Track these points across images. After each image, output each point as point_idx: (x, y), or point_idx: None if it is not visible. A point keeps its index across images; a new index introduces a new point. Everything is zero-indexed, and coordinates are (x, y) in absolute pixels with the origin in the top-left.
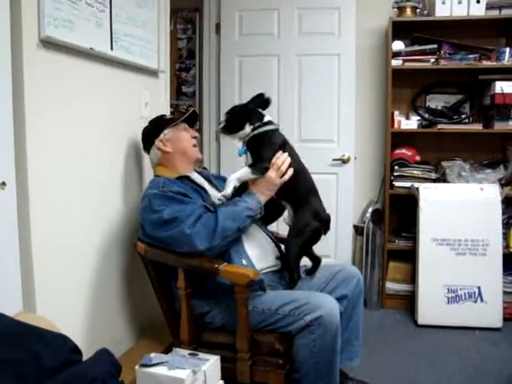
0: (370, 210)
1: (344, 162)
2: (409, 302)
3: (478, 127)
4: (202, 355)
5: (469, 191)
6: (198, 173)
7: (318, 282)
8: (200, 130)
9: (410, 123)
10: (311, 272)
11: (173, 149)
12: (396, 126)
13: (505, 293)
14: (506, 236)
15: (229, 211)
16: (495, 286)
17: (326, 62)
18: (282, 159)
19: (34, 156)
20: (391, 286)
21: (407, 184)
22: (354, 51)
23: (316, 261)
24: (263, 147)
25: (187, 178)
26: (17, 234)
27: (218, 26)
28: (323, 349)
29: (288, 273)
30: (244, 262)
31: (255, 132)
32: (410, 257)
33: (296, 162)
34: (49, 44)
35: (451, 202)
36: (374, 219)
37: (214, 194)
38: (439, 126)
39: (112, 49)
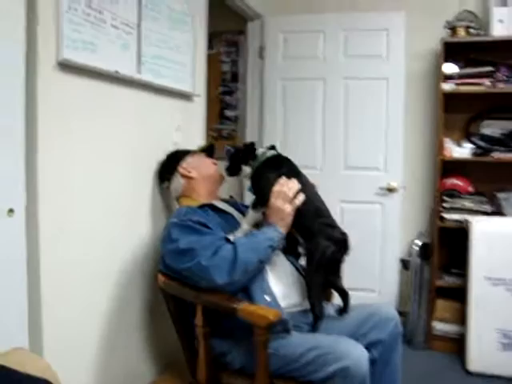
0: (417, 242)
1: (390, 190)
2: (458, 345)
3: None
4: None
5: None
6: (225, 201)
7: (350, 323)
8: None
9: (462, 151)
10: (343, 311)
11: (197, 172)
12: (447, 153)
13: None
14: None
15: (248, 242)
16: None
17: (374, 85)
18: (287, 185)
19: (46, 182)
20: (439, 325)
21: (458, 217)
22: (404, 75)
23: (343, 294)
24: (261, 178)
25: (211, 205)
26: (25, 265)
27: (261, 49)
28: None
29: (310, 309)
30: (267, 298)
31: (253, 168)
32: (460, 295)
33: (304, 183)
34: (67, 67)
35: (507, 236)
36: (422, 254)
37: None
38: (495, 155)
39: (140, 72)
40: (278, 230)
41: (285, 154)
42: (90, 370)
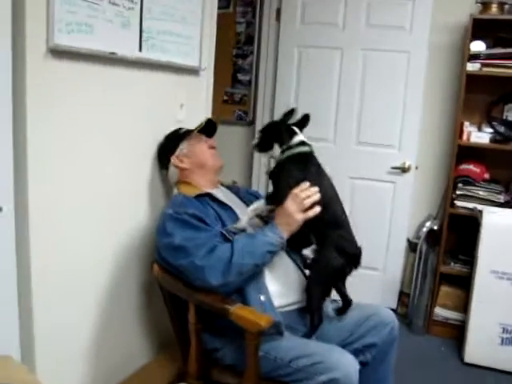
0: (426, 226)
1: (404, 170)
2: (457, 332)
3: None
4: None
5: None
6: (227, 187)
7: (346, 325)
8: (253, 122)
9: (482, 136)
10: (341, 312)
11: (190, 164)
12: (465, 138)
13: None
14: None
15: (246, 244)
16: None
17: (394, 59)
18: (306, 193)
19: (37, 176)
20: (440, 311)
21: (470, 205)
22: (426, 49)
23: (346, 301)
24: (283, 175)
25: (209, 195)
26: (14, 264)
27: (278, 12)
28: None
29: (309, 316)
30: (262, 298)
31: (283, 156)
32: (465, 283)
33: (327, 190)
34: (59, 53)
35: None
36: (429, 240)
37: (243, 211)
38: None
39: (141, 50)
40: (280, 234)
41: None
42: (86, 352)
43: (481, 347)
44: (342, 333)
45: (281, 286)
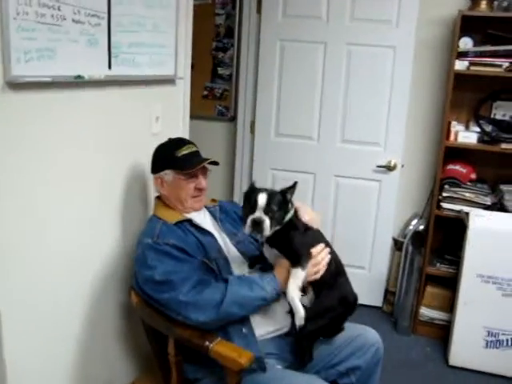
0: (412, 225)
1: (389, 169)
2: (443, 332)
3: None
4: None
5: None
6: (207, 208)
7: (332, 346)
8: (234, 118)
9: (469, 136)
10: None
11: (169, 193)
12: (452, 137)
13: None
14: None
15: (241, 295)
16: None
17: (380, 54)
18: (322, 255)
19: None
20: (426, 311)
21: (457, 207)
22: (413, 45)
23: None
24: (297, 237)
25: (189, 221)
26: None
27: (259, 3)
28: None
29: (299, 351)
30: (244, 330)
31: (284, 221)
32: (451, 284)
33: (327, 241)
34: (18, 85)
35: (505, 235)
36: (414, 241)
37: (222, 238)
38: (503, 145)
39: (110, 67)
40: (277, 288)
41: (279, 121)
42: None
43: (466, 350)
44: (326, 355)
45: (263, 313)
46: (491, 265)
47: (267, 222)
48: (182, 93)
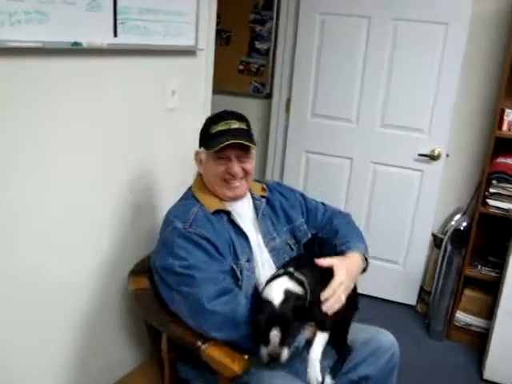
0: (454, 220)
1: (433, 158)
2: (479, 341)
3: None
4: None
5: None
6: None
7: None
8: (270, 95)
9: None
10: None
11: (204, 173)
12: (505, 127)
13: None
14: None
15: None
16: None
17: (429, 31)
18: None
19: None
20: (462, 316)
21: (505, 205)
22: (467, 21)
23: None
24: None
25: (227, 213)
26: None
27: None
28: None
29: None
30: None
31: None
32: (492, 288)
33: None
34: (3, 50)
35: None
36: (455, 240)
37: (256, 239)
38: None
39: (116, 35)
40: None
41: (316, 100)
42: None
43: (504, 363)
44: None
45: None
46: None
47: (285, 352)
48: (203, 65)
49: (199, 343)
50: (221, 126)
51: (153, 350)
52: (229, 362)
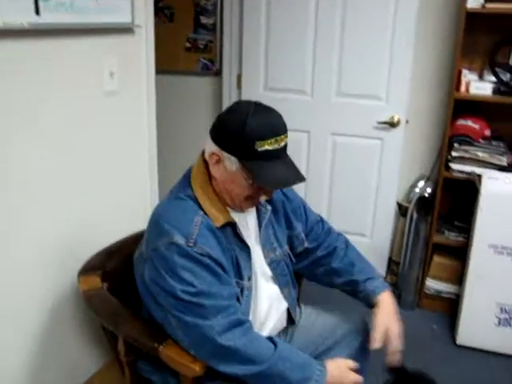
0: (417, 187)
1: (392, 125)
2: (451, 307)
3: None
4: None
5: None
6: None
7: (313, 337)
8: (220, 72)
9: (483, 87)
10: None
11: (222, 180)
12: (463, 89)
13: None
14: None
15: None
16: None
17: None
18: None
19: None
20: (432, 284)
21: (468, 168)
22: None
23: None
24: None
25: (232, 225)
26: None
27: None
28: None
29: None
30: None
31: None
32: (460, 253)
33: None
34: None
35: None
36: (420, 207)
37: (256, 251)
38: None
39: (38, 13)
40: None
41: (268, 74)
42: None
43: (475, 327)
44: (309, 346)
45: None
46: (506, 234)
47: None
48: (143, 44)
49: (156, 344)
50: (269, 145)
51: (112, 352)
52: (189, 362)
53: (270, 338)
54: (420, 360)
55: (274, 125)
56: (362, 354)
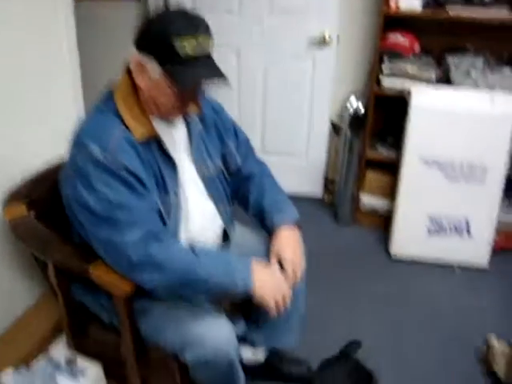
0: (350, 106)
1: (324, 42)
2: (386, 222)
3: (503, 14)
4: (80, 363)
5: (475, 101)
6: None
7: (247, 254)
8: None
9: (411, 2)
10: None
11: (146, 89)
12: (393, 4)
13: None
14: None
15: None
16: (488, 219)
17: None
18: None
19: None
20: (367, 200)
21: (398, 83)
22: None
23: None
24: None
25: (157, 140)
26: None
27: None
28: (218, 381)
29: None
30: None
31: None
32: (393, 169)
33: None
34: None
35: (450, 112)
36: (353, 125)
37: (187, 168)
38: (451, 10)
39: None
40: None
41: None
42: None
43: (408, 239)
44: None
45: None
46: (435, 147)
47: None
48: None
49: (85, 265)
50: (189, 43)
51: (46, 281)
52: (118, 280)
53: (190, 247)
54: (356, 274)
55: (193, 19)
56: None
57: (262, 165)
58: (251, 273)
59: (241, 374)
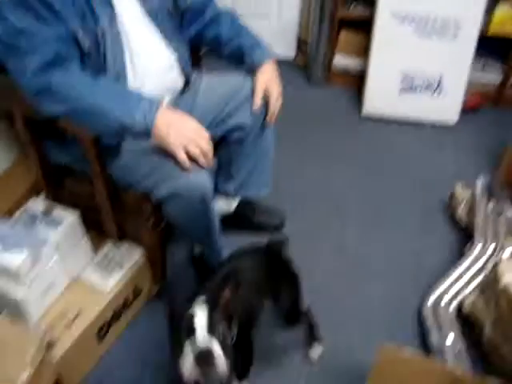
0: None
1: None
2: (358, 81)
3: None
4: (57, 213)
5: None
6: None
7: (211, 105)
8: None
9: None
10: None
11: None
12: None
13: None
14: (488, 14)
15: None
16: (460, 76)
17: None
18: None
19: None
20: (340, 60)
21: None
22: None
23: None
24: None
25: None
26: None
27: None
28: (191, 219)
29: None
30: None
31: None
32: (366, 27)
33: None
34: None
35: None
36: None
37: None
38: None
39: None
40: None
41: None
42: None
43: (380, 97)
44: (208, 115)
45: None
46: (407, 2)
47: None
48: None
49: None
50: None
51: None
52: None
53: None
54: (328, 133)
55: None
56: (259, 122)
57: (228, 9)
58: (156, 112)
59: (215, 217)
